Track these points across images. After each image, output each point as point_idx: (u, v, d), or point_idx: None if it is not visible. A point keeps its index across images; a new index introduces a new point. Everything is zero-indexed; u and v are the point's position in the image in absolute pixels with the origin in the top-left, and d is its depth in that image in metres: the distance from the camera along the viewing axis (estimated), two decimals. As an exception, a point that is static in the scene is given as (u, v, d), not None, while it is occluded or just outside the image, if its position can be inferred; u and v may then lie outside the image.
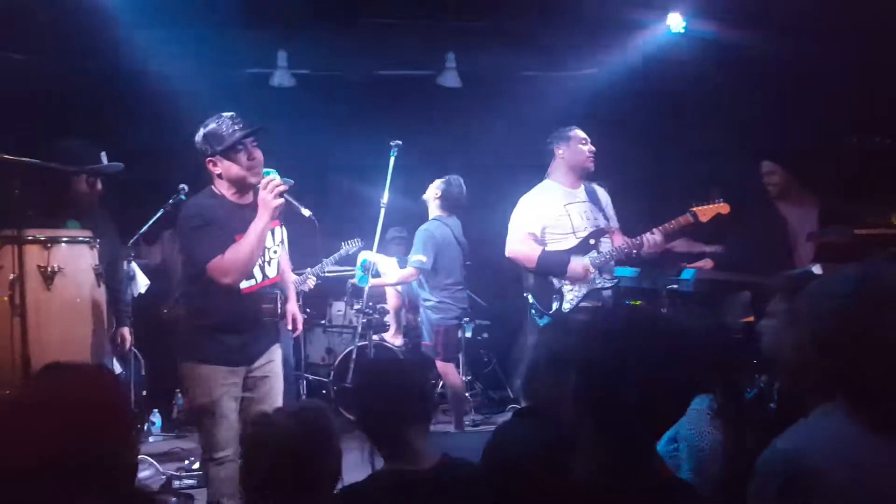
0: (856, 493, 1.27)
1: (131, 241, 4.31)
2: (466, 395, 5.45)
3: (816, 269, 4.06)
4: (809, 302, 1.40)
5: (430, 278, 4.77)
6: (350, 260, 5.42)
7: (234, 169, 2.83)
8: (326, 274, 5.35)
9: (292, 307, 3.21)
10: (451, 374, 4.82)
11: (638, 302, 4.51)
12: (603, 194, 4.06)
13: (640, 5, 5.14)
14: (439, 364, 4.79)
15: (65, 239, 2.85)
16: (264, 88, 5.84)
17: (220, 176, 2.87)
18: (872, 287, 1.33)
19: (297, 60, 5.90)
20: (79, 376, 1.40)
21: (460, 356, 5.15)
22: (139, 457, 3.54)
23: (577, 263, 3.77)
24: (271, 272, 3.00)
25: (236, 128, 2.82)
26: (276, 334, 3.09)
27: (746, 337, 2.73)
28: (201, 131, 2.85)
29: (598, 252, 3.81)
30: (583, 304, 3.78)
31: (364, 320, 4.66)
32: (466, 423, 5.15)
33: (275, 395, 3.00)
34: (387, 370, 2.13)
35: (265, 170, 2.90)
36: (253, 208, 2.84)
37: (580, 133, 3.96)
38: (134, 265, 4.07)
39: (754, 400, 2.07)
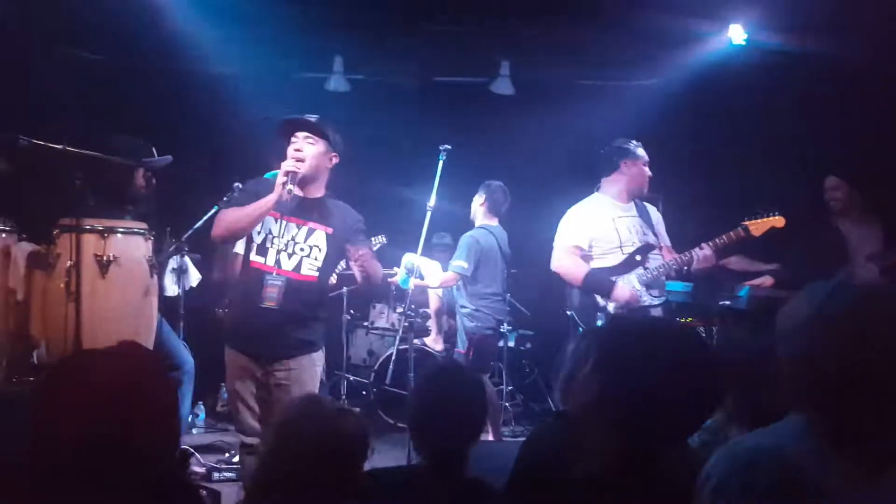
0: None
1: (185, 235, 4.41)
2: (506, 404, 5.40)
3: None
4: (778, 322, 1.39)
5: (468, 285, 4.75)
6: (388, 259, 5.42)
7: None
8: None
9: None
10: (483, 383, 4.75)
11: (689, 318, 4.41)
12: (654, 212, 3.96)
13: (700, 16, 5.03)
14: None
15: (121, 229, 2.94)
16: (319, 92, 5.94)
17: None
18: (832, 308, 1.30)
19: (353, 65, 5.98)
20: (112, 357, 1.42)
21: (502, 366, 5.10)
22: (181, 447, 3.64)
23: (624, 288, 3.65)
24: (288, 264, 2.98)
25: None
26: (300, 345, 3.01)
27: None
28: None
29: (645, 269, 3.71)
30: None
31: (405, 323, 4.66)
32: (506, 433, 5.10)
33: None
34: (448, 386, 2.03)
35: (270, 172, 3.09)
36: (296, 200, 2.97)
37: (645, 155, 3.86)
38: (187, 259, 4.17)
39: None
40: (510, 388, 5.50)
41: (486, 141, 5.86)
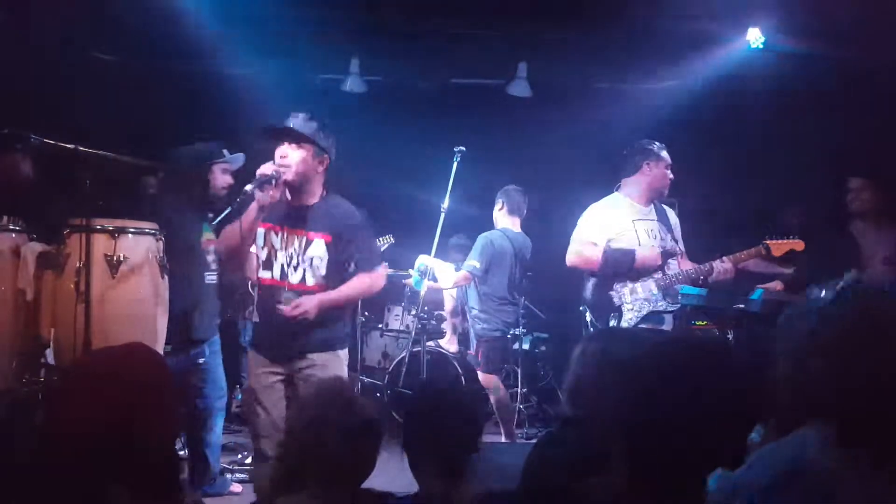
0: None
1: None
2: (520, 406, 5.37)
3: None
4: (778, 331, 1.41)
5: (478, 286, 4.73)
6: (402, 261, 5.41)
7: None
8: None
9: (309, 298, 2.89)
10: (493, 385, 4.72)
11: (703, 322, 4.35)
12: (672, 216, 3.91)
13: (717, 20, 4.98)
14: (481, 375, 4.74)
15: (131, 230, 2.94)
16: (336, 93, 5.94)
17: None
18: (835, 318, 1.32)
19: (369, 67, 5.98)
20: (118, 357, 1.44)
21: (517, 368, 5.06)
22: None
23: (651, 252, 3.63)
24: (294, 277, 2.96)
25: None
26: (323, 344, 2.99)
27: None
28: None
29: (664, 273, 3.68)
30: (641, 325, 3.65)
31: (419, 325, 4.65)
32: (520, 435, 5.08)
33: None
34: (440, 397, 2.01)
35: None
36: (294, 206, 2.98)
37: (668, 157, 3.81)
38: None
39: None
40: (524, 390, 5.48)
41: (503, 143, 5.84)
